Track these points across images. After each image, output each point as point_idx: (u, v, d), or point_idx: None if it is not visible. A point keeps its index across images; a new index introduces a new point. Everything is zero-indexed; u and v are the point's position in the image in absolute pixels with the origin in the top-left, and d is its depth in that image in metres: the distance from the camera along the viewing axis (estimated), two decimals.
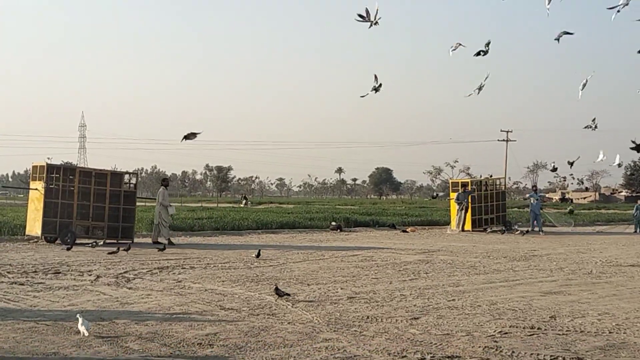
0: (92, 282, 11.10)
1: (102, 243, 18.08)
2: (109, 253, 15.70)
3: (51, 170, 19.03)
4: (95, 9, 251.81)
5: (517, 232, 26.75)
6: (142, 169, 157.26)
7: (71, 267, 13.09)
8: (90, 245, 17.73)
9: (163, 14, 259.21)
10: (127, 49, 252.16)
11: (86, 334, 6.90)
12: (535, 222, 28.06)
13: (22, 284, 10.67)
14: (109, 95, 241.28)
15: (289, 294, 9.40)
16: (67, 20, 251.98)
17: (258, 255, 14.89)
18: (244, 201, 21.57)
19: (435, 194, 29.20)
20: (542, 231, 27.31)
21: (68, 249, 16.68)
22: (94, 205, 19.21)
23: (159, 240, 19.35)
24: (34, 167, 19.56)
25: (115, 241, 18.99)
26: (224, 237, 23.22)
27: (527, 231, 26.91)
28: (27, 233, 19.47)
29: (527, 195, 29.11)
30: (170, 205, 20.38)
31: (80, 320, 6.99)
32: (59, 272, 12.23)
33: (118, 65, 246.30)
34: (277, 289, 9.53)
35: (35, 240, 19.15)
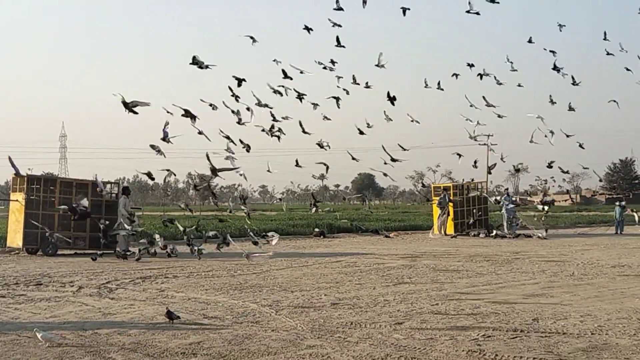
0: (74, 293, 11.02)
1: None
2: (137, 260, 15.98)
3: (32, 181, 18.88)
4: (77, 17, 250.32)
5: (510, 237, 26.36)
6: (125, 178, 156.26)
7: (53, 278, 12.99)
8: (196, 254, 17.26)
9: (145, 20, 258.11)
10: (109, 56, 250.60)
11: (55, 342, 6.88)
12: (511, 224, 27.92)
13: (3, 296, 10.58)
14: (89, 105, 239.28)
15: (179, 317, 8.36)
16: (48, 30, 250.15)
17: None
18: (314, 208, 20.92)
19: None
20: (515, 233, 27.08)
21: (94, 260, 16.71)
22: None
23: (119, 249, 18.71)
24: (14, 179, 19.40)
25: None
26: (207, 245, 23.06)
27: (517, 235, 26.64)
28: (7, 245, 19.30)
29: (501, 198, 28.92)
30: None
31: (39, 335, 6.96)
32: (41, 284, 12.14)
33: (99, 73, 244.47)
34: (168, 312, 8.36)
35: (17, 251, 18.99)
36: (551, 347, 6.91)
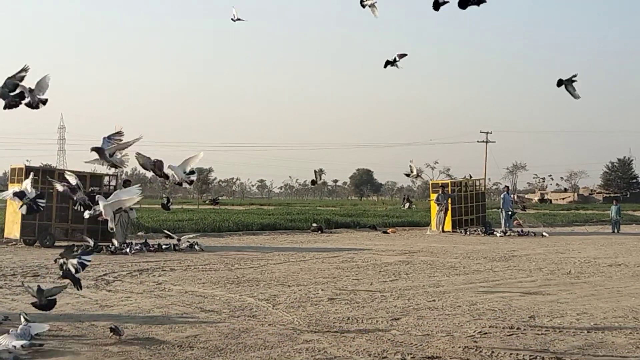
0: (71, 284, 11.00)
1: None
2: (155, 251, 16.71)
3: (30, 172, 18.81)
4: (77, 9, 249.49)
5: (513, 234, 26.26)
6: (123, 170, 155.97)
7: (50, 269, 12.97)
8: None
9: (147, 14, 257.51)
10: (108, 50, 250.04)
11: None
12: (509, 219, 27.93)
13: (1, 287, 10.60)
14: (88, 97, 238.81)
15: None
16: (48, 22, 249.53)
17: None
18: (407, 204, 18.85)
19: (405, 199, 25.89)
20: (511, 230, 27.01)
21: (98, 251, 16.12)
22: (74, 207, 18.98)
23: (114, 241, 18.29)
24: (12, 170, 19.36)
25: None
26: (205, 238, 23.08)
27: (522, 231, 26.50)
28: (5, 236, 19.26)
29: (501, 195, 29.03)
30: (131, 209, 19.50)
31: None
32: (38, 275, 12.16)
33: (99, 66, 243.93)
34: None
35: (14, 243, 18.98)
36: (547, 344, 6.93)
